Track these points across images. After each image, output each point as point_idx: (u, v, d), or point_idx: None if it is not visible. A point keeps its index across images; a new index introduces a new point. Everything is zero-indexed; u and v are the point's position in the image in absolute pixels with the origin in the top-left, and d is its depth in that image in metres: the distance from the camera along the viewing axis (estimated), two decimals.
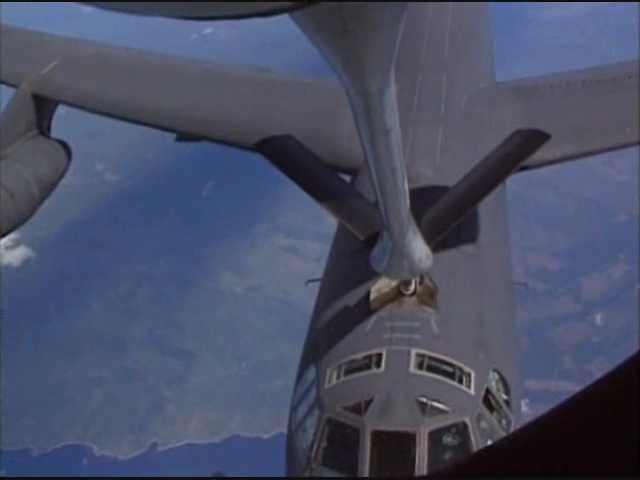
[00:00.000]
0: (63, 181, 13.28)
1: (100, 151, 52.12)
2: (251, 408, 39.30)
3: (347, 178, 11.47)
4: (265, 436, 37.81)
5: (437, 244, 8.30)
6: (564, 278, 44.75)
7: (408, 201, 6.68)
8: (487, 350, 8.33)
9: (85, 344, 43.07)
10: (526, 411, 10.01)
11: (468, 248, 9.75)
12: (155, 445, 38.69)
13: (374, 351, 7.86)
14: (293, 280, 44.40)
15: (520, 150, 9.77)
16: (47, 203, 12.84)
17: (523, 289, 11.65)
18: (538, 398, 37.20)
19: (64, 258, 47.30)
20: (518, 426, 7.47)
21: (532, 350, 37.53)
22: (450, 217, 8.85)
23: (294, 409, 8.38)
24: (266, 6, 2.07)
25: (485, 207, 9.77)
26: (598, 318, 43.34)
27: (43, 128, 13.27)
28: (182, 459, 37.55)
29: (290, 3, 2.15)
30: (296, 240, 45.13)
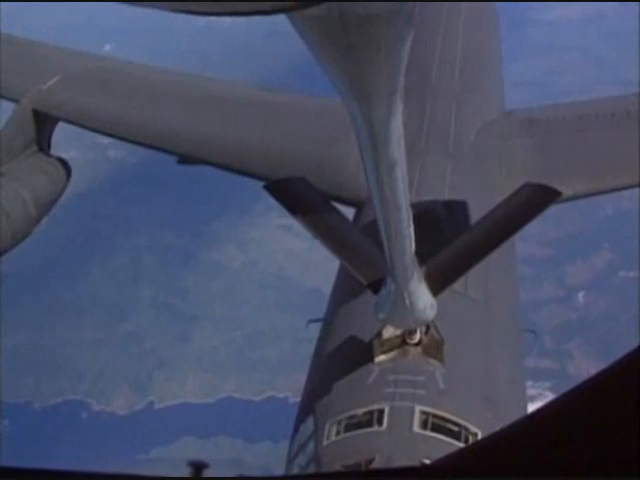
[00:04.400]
0: (69, 154, 13.04)
1: None
2: (244, 373, 40.82)
3: (352, 210, 11.05)
4: (256, 398, 39.15)
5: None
6: (550, 265, 45.99)
7: (413, 244, 6.29)
8: (495, 408, 7.90)
9: (86, 308, 44.49)
10: None
11: (476, 294, 9.30)
12: (152, 403, 40.14)
13: (376, 406, 7.48)
14: (288, 256, 46.43)
15: (529, 206, 8.67)
16: None
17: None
18: None
19: (68, 227, 48.12)
20: None
21: None
22: (455, 270, 7.97)
23: (291, 461, 8.02)
24: (268, 5, 2.04)
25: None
26: (580, 296, 44.74)
27: (43, 145, 12.80)
28: (177, 416, 39.07)
29: (293, 3, 2.11)
30: (290, 220, 44.74)
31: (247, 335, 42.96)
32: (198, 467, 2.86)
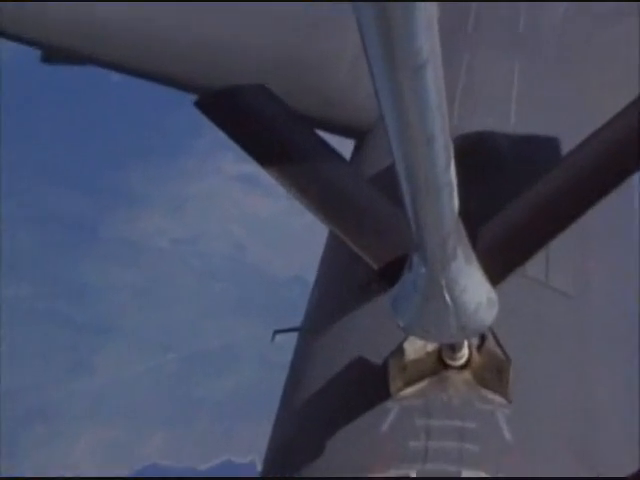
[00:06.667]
0: None
1: None
2: (180, 423, 30.93)
3: (349, 145, 8.22)
4: (201, 467, 29.44)
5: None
6: None
7: (457, 200, 3.66)
8: (594, 467, 5.31)
9: None
10: None
11: (563, 283, 6.21)
12: None
13: (394, 472, 4.95)
14: (250, 226, 35.32)
15: None
16: None
17: None
18: None
19: None
20: None
21: None
22: (527, 243, 4.95)
23: None
24: None
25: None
26: None
27: None
28: None
29: None
30: (254, 165, 34.59)
31: (184, 358, 32.18)
32: None
